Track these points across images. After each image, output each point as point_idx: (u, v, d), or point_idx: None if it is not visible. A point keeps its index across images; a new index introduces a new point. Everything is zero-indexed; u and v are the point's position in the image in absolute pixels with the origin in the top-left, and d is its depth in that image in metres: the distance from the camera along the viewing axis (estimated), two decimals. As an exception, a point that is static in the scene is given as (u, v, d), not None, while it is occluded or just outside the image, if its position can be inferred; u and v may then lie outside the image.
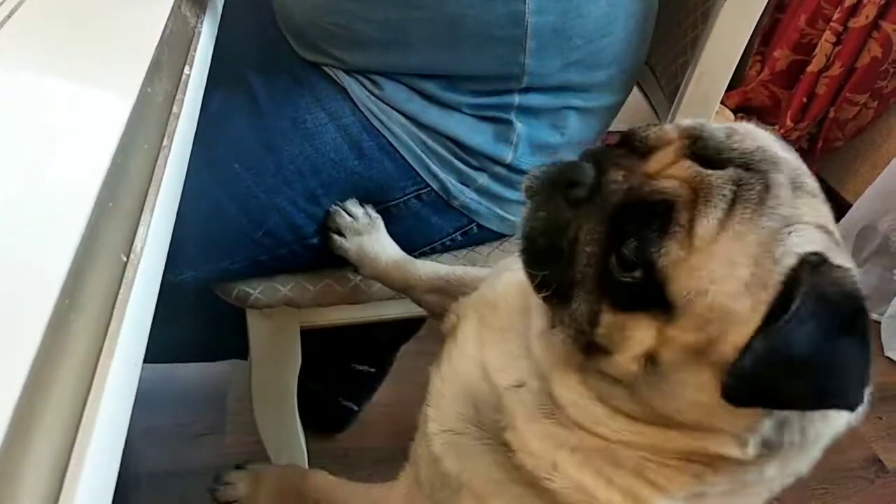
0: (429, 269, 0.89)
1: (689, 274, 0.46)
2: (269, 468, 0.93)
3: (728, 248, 0.46)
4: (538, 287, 0.55)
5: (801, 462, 0.55)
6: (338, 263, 0.94)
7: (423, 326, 1.39)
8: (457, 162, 0.90)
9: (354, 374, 1.47)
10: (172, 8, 0.55)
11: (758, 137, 0.51)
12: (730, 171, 0.48)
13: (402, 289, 0.90)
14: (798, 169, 0.51)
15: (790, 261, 0.45)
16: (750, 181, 0.47)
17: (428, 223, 0.96)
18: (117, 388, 0.31)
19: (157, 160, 0.43)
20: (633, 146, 0.54)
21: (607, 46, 0.85)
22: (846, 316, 0.44)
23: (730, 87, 0.95)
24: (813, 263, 0.44)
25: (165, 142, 0.45)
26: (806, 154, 2.29)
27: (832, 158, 2.33)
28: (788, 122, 2.15)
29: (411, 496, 0.70)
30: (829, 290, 0.43)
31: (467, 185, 0.92)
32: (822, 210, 0.50)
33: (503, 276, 0.70)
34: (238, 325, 0.99)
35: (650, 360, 0.49)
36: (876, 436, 1.71)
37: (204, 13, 0.64)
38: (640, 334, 0.49)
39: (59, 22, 0.49)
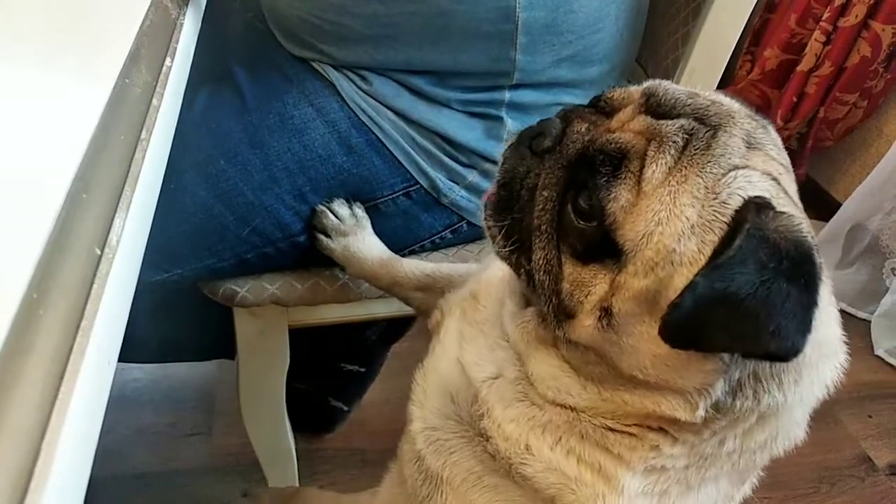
0: (415, 266, 0.88)
1: (637, 217, 0.47)
2: (264, 491, 0.92)
3: (674, 191, 0.47)
4: (501, 241, 0.56)
5: (767, 434, 0.54)
6: (326, 262, 0.93)
7: (413, 326, 1.38)
8: (446, 159, 0.89)
9: (344, 374, 1.45)
10: (153, -1, 0.54)
11: (718, 98, 0.53)
12: (681, 122, 0.50)
13: (389, 287, 0.89)
14: (757, 131, 0.51)
15: (736, 202, 0.46)
16: (700, 131, 0.49)
17: (417, 221, 0.95)
18: (89, 387, 0.30)
19: (134, 153, 0.42)
20: (600, 106, 0.57)
21: (598, 42, 0.84)
22: (789, 261, 0.43)
23: (720, 87, 0.94)
24: (758, 205, 0.45)
25: (144, 134, 0.44)
26: (796, 154, 2.29)
27: (822, 158, 2.34)
28: (778, 122, 2.16)
29: (394, 498, 0.71)
30: (772, 234, 0.44)
31: (457, 183, 0.91)
32: (773, 164, 0.50)
33: (488, 271, 0.71)
34: (225, 325, 0.98)
35: (605, 312, 0.50)
36: (866, 434, 1.72)
37: (186, 5, 0.63)
38: (597, 287, 0.50)
39: (36, 10, 0.48)
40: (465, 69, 0.84)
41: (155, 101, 0.47)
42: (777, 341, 0.42)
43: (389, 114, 0.87)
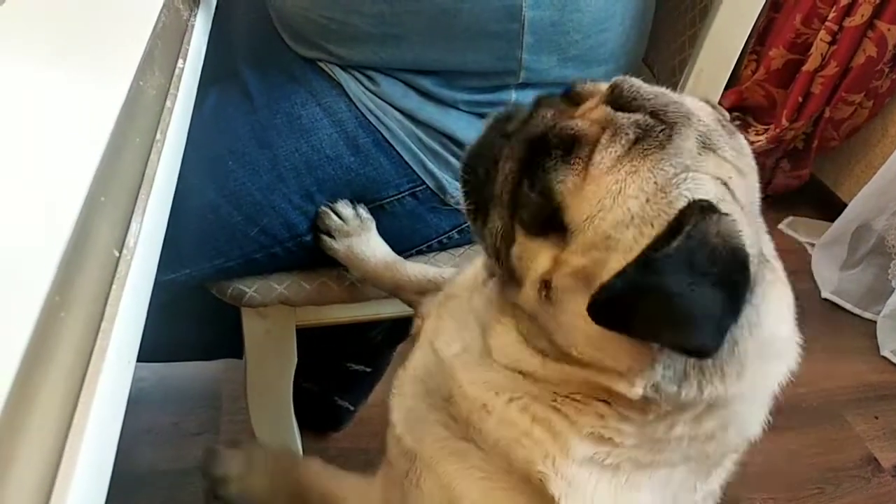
0: (418, 271, 0.89)
1: (582, 201, 0.50)
2: (262, 449, 0.92)
3: (620, 179, 0.49)
4: (466, 203, 0.61)
5: (715, 424, 0.55)
6: (333, 262, 0.93)
7: (418, 326, 1.38)
8: (453, 159, 0.90)
9: (350, 374, 1.46)
10: (165, 1, 0.54)
11: (683, 99, 0.54)
12: (637, 116, 0.52)
13: (392, 290, 0.90)
14: (715, 133, 0.52)
15: (680, 203, 0.47)
16: (655, 128, 0.50)
17: (424, 221, 0.95)
18: (109, 388, 0.30)
19: (150, 154, 0.42)
20: (570, 96, 0.60)
21: (605, 42, 0.85)
22: (721, 267, 0.45)
23: (725, 87, 0.95)
24: (702, 208, 0.47)
25: (158, 136, 0.44)
26: (801, 154, 2.29)
27: (827, 158, 2.33)
28: (784, 122, 2.15)
29: (385, 483, 0.72)
30: (712, 238, 0.45)
31: (464, 183, 0.92)
32: (725, 167, 0.51)
33: (461, 275, 0.73)
34: (233, 324, 0.98)
35: (545, 285, 0.53)
36: (872, 435, 1.71)
37: (198, 6, 0.63)
38: (541, 260, 0.53)
39: (49, 13, 0.48)
40: (472, 69, 0.84)
41: (168, 103, 0.48)
42: (693, 339, 0.45)
43: (397, 114, 0.87)
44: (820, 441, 1.66)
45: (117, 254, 0.34)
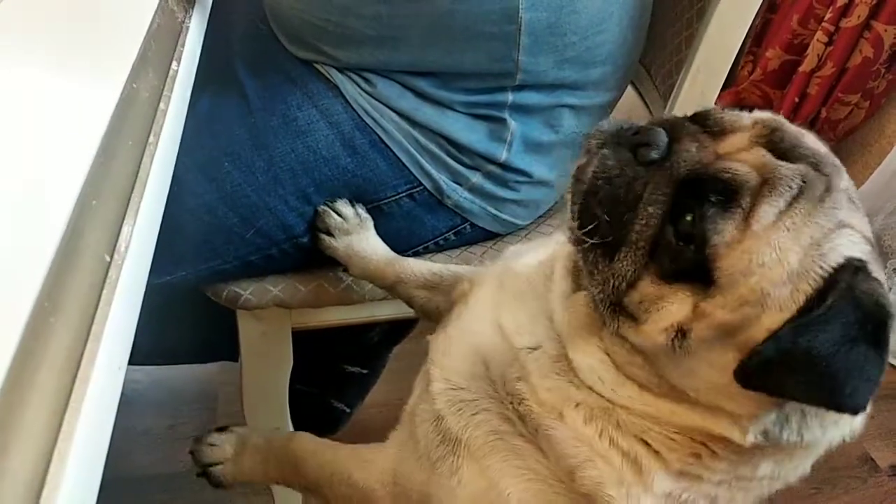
0: (421, 265, 0.89)
1: (741, 255, 0.47)
2: (253, 431, 0.91)
3: (783, 237, 0.47)
4: (587, 234, 0.54)
5: (794, 465, 0.56)
6: (329, 264, 0.93)
7: (415, 327, 1.38)
8: (450, 160, 0.89)
9: (346, 376, 1.45)
10: (159, 2, 0.54)
11: (814, 143, 0.53)
12: (800, 167, 0.49)
13: (392, 286, 0.89)
14: (852, 187, 0.52)
15: (835, 260, 0.46)
16: (816, 181, 0.49)
17: (421, 222, 0.95)
18: (100, 393, 0.30)
19: (142, 157, 0.42)
20: (706, 124, 0.55)
21: (602, 43, 0.84)
22: (872, 325, 0.45)
23: (722, 88, 0.94)
24: (855, 268, 0.46)
25: (152, 139, 0.44)
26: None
27: (824, 158, 2.34)
28: (780, 122, 2.15)
29: (401, 457, 0.69)
30: (863, 297, 0.45)
31: (460, 184, 0.91)
32: (867, 226, 0.51)
33: (524, 258, 0.70)
34: (229, 327, 0.98)
35: (680, 333, 0.50)
36: (869, 435, 1.71)
37: (192, 8, 0.63)
38: (676, 307, 0.50)
39: (41, 14, 0.48)
40: (469, 70, 0.84)
41: (162, 105, 0.47)
42: (850, 401, 0.44)
43: (393, 115, 0.87)
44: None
45: (108, 258, 0.34)
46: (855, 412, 0.45)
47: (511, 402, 0.60)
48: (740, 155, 0.51)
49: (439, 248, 0.99)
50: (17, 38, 0.46)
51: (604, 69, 0.87)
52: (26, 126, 0.38)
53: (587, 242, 0.54)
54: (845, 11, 1.95)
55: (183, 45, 0.56)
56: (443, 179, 0.90)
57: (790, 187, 0.48)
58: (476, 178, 0.91)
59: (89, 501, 0.28)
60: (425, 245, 0.98)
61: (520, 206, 0.97)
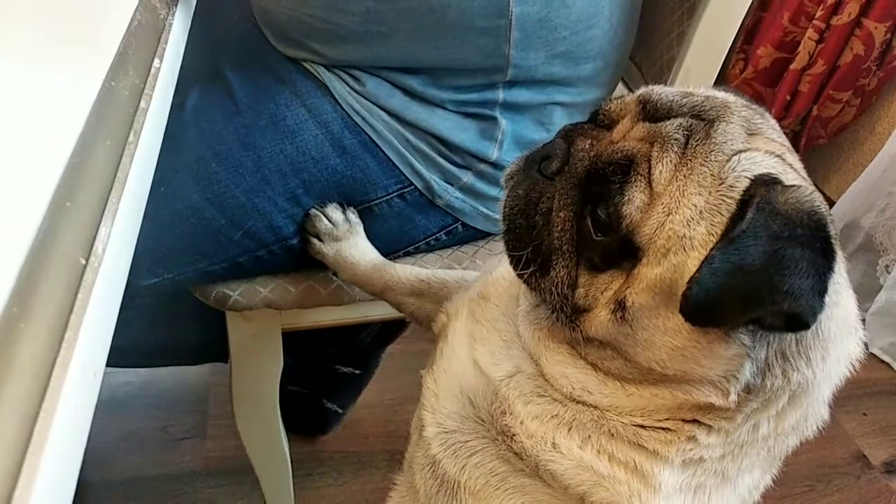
0: (408, 271, 0.88)
1: (652, 215, 0.49)
2: None
3: (682, 184, 0.48)
4: (521, 266, 0.57)
5: (800, 414, 0.54)
6: (319, 264, 0.92)
7: (407, 328, 1.37)
8: (441, 160, 0.88)
9: (338, 376, 1.44)
10: (141, -1, 0.53)
11: (713, 93, 0.54)
12: (679, 120, 0.51)
13: (381, 292, 0.89)
14: (755, 118, 0.52)
15: (743, 184, 0.47)
16: (699, 126, 0.50)
17: (412, 223, 0.94)
18: (73, 401, 0.28)
19: (121, 157, 0.41)
20: (599, 120, 0.58)
21: (592, 39, 0.84)
22: (803, 229, 0.44)
23: (713, 86, 0.94)
24: (765, 182, 0.46)
25: (131, 138, 0.43)
26: (790, 151, 2.29)
27: (815, 156, 2.34)
28: (772, 120, 2.15)
29: None
30: (783, 206, 0.45)
31: (451, 184, 0.90)
32: (775, 145, 0.51)
33: (495, 272, 0.70)
34: (218, 328, 0.97)
35: (619, 305, 0.51)
36: (861, 432, 1.72)
37: (176, 5, 0.62)
38: (612, 285, 0.52)
39: (17, 9, 0.46)
40: (459, 66, 0.83)
41: (143, 104, 0.46)
42: (792, 302, 0.43)
43: (383, 114, 0.86)
44: (809, 439, 1.66)
45: (84, 261, 0.33)
46: (804, 316, 0.43)
47: (504, 441, 0.59)
48: (628, 135, 0.54)
49: (431, 249, 0.98)
50: (-8, 34, 0.44)
51: (594, 65, 0.87)
52: None
53: (527, 272, 0.56)
54: (836, 9, 1.96)
55: (166, 43, 0.55)
56: (434, 179, 0.89)
57: (676, 139, 0.50)
58: (467, 177, 0.90)
59: (61, 514, 0.27)
60: (416, 245, 0.97)
61: (511, 205, 0.96)
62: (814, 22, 2.00)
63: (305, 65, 0.88)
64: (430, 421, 0.64)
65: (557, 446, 0.56)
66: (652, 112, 0.54)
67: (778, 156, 0.49)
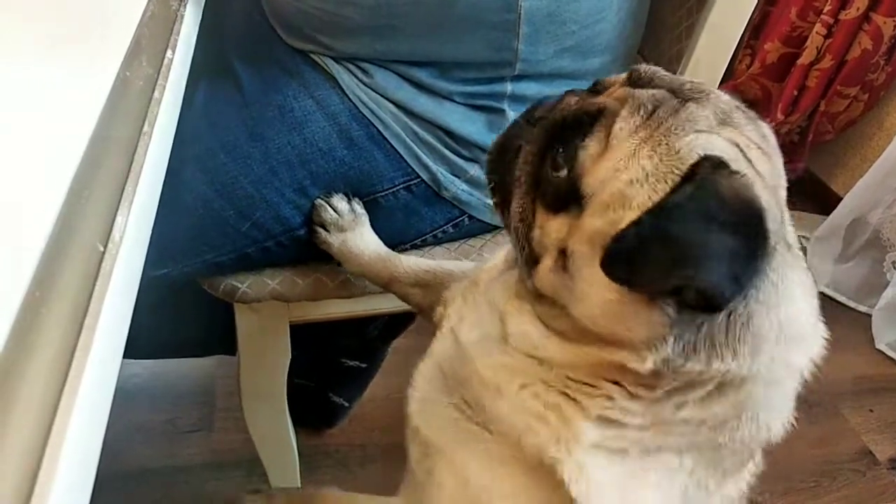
0: (414, 262, 0.88)
1: (602, 167, 0.51)
2: (281, 492, 0.93)
3: (637, 144, 0.50)
4: (491, 192, 0.63)
5: (723, 408, 0.54)
6: (327, 257, 0.92)
7: (414, 321, 1.37)
8: (448, 152, 0.89)
9: (345, 370, 1.45)
10: (153, -10, 0.53)
11: (702, 84, 0.56)
12: (655, 91, 0.53)
13: (387, 283, 0.89)
14: (736, 113, 0.53)
15: (692, 159, 0.48)
16: (670, 100, 0.52)
17: (418, 215, 0.94)
18: (93, 386, 0.29)
19: (136, 147, 0.41)
20: (595, 89, 0.61)
21: (601, 33, 0.84)
22: (736, 216, 0.45)
23: (720, 80, 0.94)
24: (713, 163, 0.47)
25: (146, 128, 0.43)
26: (796, 147, 2.29)
27: (822, 151, 2.33)
28: (779, 115, 2.15)
29: (407, 492, 0.71)
30: (724, 189, 0.45)
31: (458, 176, 0.91)
32: (742, 139, 0.51)
33: (489, 262, 0.73)
34: (226, 320, 0.97)
35: (561, 254, 0.53)
36: (867, 428, 1.72)
37: (187, -4, 0.62)
38: (558, 232, 0.54)
39: (33, 1, 0.47)
40: (468, 59, 0.83)
41: (157, 94, 0.46)
42: (705, 281, 0.44)
43: (391, 106, 0.86)
44: (815, 434, 1.66)
45: (102, 248, 0.33)
46: (712, 296, 0.45)
47: (459, 391, 0.62)
48: (607, 95, 0.57)
49: (438, 241, 0.98)
50: (6, 25, 0.45)
51: (602, 59, 0.87)
52: (17, 115, 0.37)
53: (495, 200, 0.62)
54: (844, 4, 1.95)
55: (178, 34, 0.55)
56: (441, 172, 0.89)
57: (644, 106, 0.52)
58: (474, 170, 0.90)
59: (84, 498, 0.27)
60: (423, 238, 0.97)
61: (518, 198, 0.96)
62: (822, 17, 1.99)
63: (313, 57, 0.88)
64: (412, 397, 0.68)
65: (500, 390, 0.59)
66: (635, 80, 0.57)
67: (740, 148, 0.50)
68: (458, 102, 0.86)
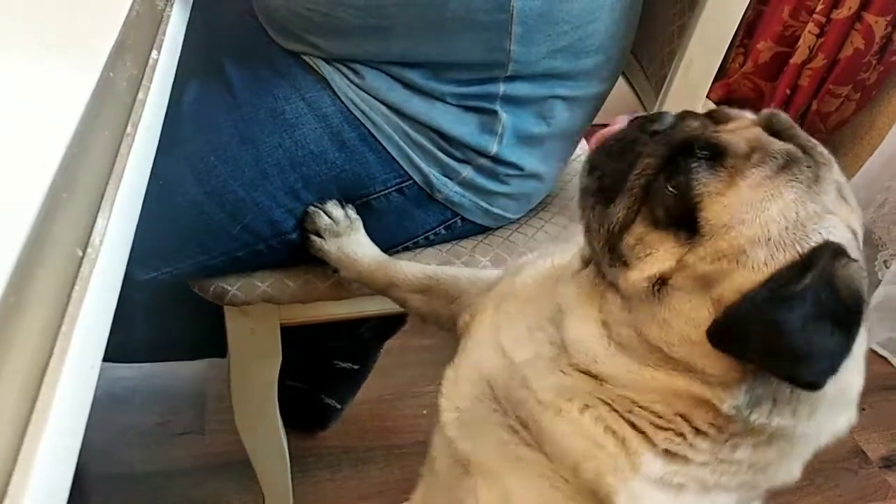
0: (414, 268, 0.87)
1: (723, 208, 0.51)
2: None
3: (765, 200, 0.50)
4: (591, 176, 0.60)
5: (774, 455, 0.55)
6: (318, 259, 0.91)
7: (406, 323, 1.37)
8: (440, 154, 0.88)
9: (337, 372, 1.44)
10: (138, -11, 0.52)
11: (823, 148, 0.56)
12: (789, 146, 0.53)
13: (385, 289, 0.88)
14: (845, 184, 0.55)
15: (817, 239, 0.49)
16: (804, 162, 0.52)
17: (410, 217, 0.93)
18: (70, 395, 0.28)
19: (119, 148, 0.40)
20: (714, 116, 0.60)
21: (594, 33, 0.83)
22: (843, 309, 0.46)
23: (713, 80, 0.94)
24: (835, 251, 0.48)
25: (129, 129, 0.42)
26: (789, 146, 2.29)
27: (815, 151, 2.34)
28: (772, 115, 2.15)
29: (427, 495, 0.72)
30: (839, 281, 0.47)
31: (451, 178, 0.90)
32: (854, 219, 0.53)
33: (523, 272, 0.72)
34: (217, 323, 0.97)
35: (662, 282, 0.53)
36: (859, 427, 1.70)
37: (174, -4, 0.61)
38: (661, 254, 0.53)
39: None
40: (460, 60, 0.82)
41: (141, 95, 0.46)
42: (808, 374, 0.46)
43: (382, 108, 0.85)
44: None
45: (81, 253, 0.33)
46: (808, 386, 0.47)
47: (514, 412, 0.61)
48: (738, 131, 0.56)
49: (429, 243, 0.98)
50: (-12, 25, 0.44)
51: (596, 59, 0.86)
52: (-5, 115, 0.37)
53: (587, 190, 0.60)
54: (836, 3, 1.95)
55: (164, 34, 0.55)
56: (433, 173, 0.89)
57: (775, 159, 0.52)
58: (467, 171, 0.90)
59: (58, 508, 0.26)
60: (415, 240, 0.96)
61: (511, 199, 0.96)
62: (814, 16, 2.00)
63: (305, 58, 0.87)
64: (446, 406, 0.67)
65: (560, 411, 0.58)
66: (770, 125, 0.56)
67: (854, 232, 0.51)
68: (451, 104, 0.85)
